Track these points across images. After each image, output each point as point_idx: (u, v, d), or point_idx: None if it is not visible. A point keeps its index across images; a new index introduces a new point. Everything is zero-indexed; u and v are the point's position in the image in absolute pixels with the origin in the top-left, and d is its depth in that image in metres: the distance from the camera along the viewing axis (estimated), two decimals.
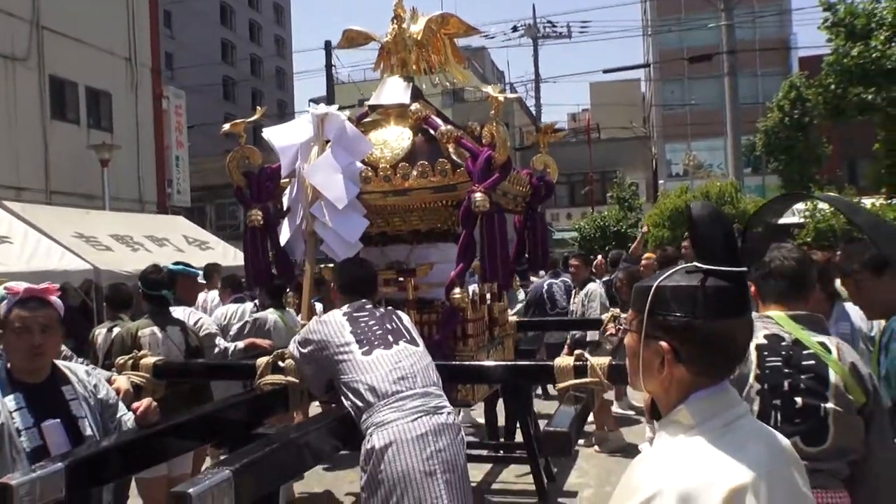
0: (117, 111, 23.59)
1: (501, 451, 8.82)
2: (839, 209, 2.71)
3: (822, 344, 3.47)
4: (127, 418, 4.11)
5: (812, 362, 3.42)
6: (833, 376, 3.37)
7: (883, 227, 2.73)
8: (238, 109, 52.66)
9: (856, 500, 3.39)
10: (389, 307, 4.98)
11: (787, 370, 3.44)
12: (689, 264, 1.97)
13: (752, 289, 3.79)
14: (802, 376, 3.41)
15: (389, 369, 4.30)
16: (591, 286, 10.43)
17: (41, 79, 20.98)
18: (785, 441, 1.94)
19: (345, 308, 4.74)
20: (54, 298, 3.89)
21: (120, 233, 15.88)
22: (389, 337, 4.53)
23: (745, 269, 1.93)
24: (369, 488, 4.12)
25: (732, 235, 1.97)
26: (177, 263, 7.91)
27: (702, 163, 43.96)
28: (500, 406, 9.11)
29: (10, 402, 3.62)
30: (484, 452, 8.73)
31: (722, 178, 33.26)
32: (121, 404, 4.17)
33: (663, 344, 1.88)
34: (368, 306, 4.77)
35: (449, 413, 4.32)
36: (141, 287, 6.71)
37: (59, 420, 3.73)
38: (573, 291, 10.98)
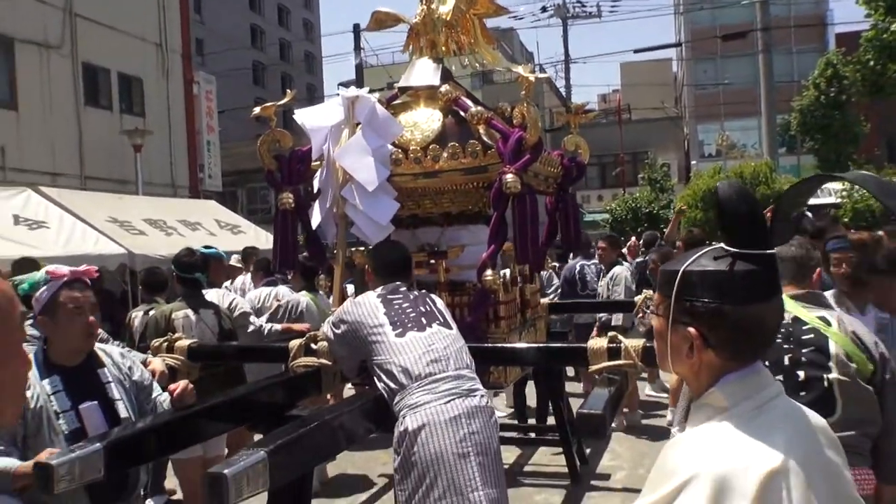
0: (149, 97, 23.85)
1: (534, 434, 8.85)
2: (869, 190, 2.67)
3: (822, 318, 3.57)
4: (162, 399, 4.15)
5: (811, 336, 3.51)
6: (833, 346, 3.45)
7: None
8: (268, 94, 52.75)
9: (879, 476, 3.45)
10: (423, 290, 4.94)
11: (786, 346, 3.53)
12: (716, 247, 1.92)
13: None
14: (803, 350, 3.50)
15: (422, 352, 4.29)
16: (616, 269, 10.39)
17: (74, 66, 21.26)
18: (821, 421, 1.91)
19: (379, 290, 4.71)
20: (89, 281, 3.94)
21: (153, 217, 15.97)
22: (423, 319, 4.50)
23: (773, 251, 1.88)
24: (402, 470, 4.12)
25: (761, 217, 1.92)
26: (207, 247, 7.98)
27: (735, 143, 43.63)
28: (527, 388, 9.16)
29: (47, 385, 3.65)
30: (516, 435, 8.75)
31: (756, 158, 32.96)
32: (155, 385, 4.21)
33: (692, 330, 1.85)
34: (402, 289, 4.74)
35: (482, 396, 4.31)
36: (175, 270, 6.76)
37: (96, 402, 3.77)
38: (602, 273, 10.97)
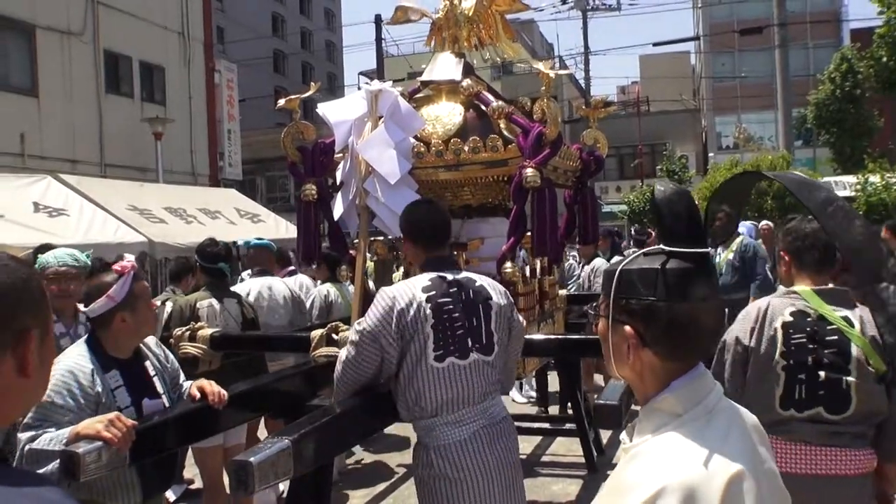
0: (170, 85, 23.98)
1: (550, 424, 8.90)
2: (788, 188, 2.73)
3: (846, 318, 3.66)
4: (184, 389, 4.23)
5: (835, 337, 3.61)
6: (855, 350, 3.58)
7: (831, 208, 2.77)
8: (288, 83, 52.86)
9: (883, 456, 3.66)
10: (480, 283, 4.17)
11: (811, 346, 3.64)
12: (654, 247, 1.95)
13: (787, 259, 3.93)
14: (826, 351, 3.61)
15: (456, 389, 3.88)
16: (597, 261, 10.61)
17: (96, 53, 21.36)
18: (752, 418, 1.93)
19: (425, 281, 3.97)
20: None
21: (173, 205, 16.01)
22: (469, 341, 3.92)
23: (706, 250, 1.91)
24: (422, 492, 4.03)
25: (697, 216, 1.95)
26: (259, 238, 8.27)
27: (752, 135, 43.49)
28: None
29: (110, 379, 3.71)
30: (534, 425, 8.80)
31: (772, 151, 32.92)
32: (181, 373, 4.29)
33: (627, 328, 1.86)
34: (454, 290, 3.99)
35: (500, 411, 4.12)
36: (198, 260, 6.83)
37: (161, 401, 3.86)
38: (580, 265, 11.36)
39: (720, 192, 3.33)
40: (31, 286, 1.58)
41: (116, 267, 3.84)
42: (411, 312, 3.83)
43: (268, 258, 8.35)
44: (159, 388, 3.95)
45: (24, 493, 1.39)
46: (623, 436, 1.95)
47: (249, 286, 7.67)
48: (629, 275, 1.89)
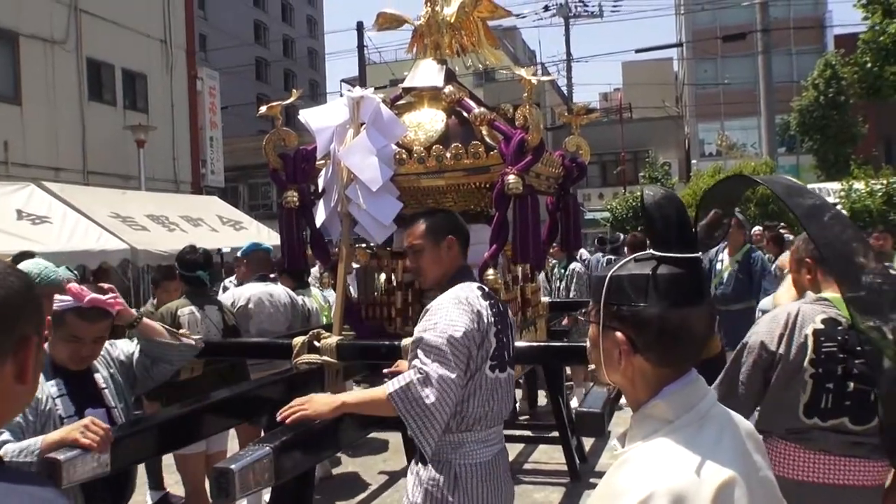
0: (153, 93, 24.01)
1: (532, 431, 8.91)
2: (775, 192, 2.71)
3: (878, 328, 3.55)
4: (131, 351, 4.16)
5: (868, 347, 3.45)
6: (887, 361, 3.39)
7: (822, 215, 2.76)
8: (270, 90, 52.97)
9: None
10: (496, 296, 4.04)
11: (841, 355, 3.54)
12: (644, 252, 1.94)
13: (810, 265, 3.88)
14: (856, 361, 3.51)
15: (495, 403, 3.74)
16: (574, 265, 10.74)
17: (79, 61, 21.41)
18: (747, 425, 1.93)
19: (476, 289, 3.78)
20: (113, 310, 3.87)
21: (155, 213, 15.94)
22: (505, 353, 3.81)
23: (697, 255, 1.90)
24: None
25: (687, 221, 1.94)
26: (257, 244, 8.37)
27: (735, 143, 43.68)
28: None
29: (52, 387, 3.68)
30: (516, 433, 8.79)
31: (756, 157, 33.10)
32: (134, 346, 4.17)
33: (618, 334, 1.86)
34: (491, 301, 3.82)
35: (503, 436, 4.03)
36: (178, 268, 6.81)
37: (103, 409, 3.82)
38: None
39: (710, 196, 3.24)
40: (32, 295, 1.61)
41: (73, 289, 3.76)
42: (485, 318, 3.65)
43: (267, 262, 8.33)
44: (110, 401, 3.89)
45: (19, 490, 1.41)
46: (615, 442, 1.94)
47: (249, 293, 7.55)
48: (620, 281, 1.89)
